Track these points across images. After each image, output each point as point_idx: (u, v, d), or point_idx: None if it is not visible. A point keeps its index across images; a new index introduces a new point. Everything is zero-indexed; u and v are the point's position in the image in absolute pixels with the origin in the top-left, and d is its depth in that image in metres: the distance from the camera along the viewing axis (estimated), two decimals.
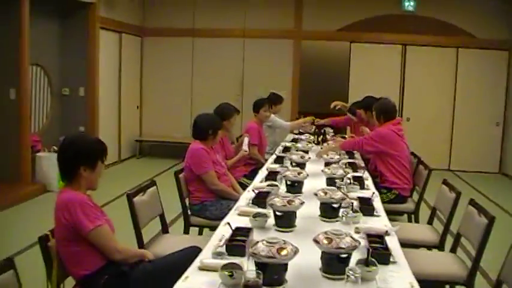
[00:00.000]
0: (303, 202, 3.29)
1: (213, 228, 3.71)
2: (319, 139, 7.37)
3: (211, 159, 4.78)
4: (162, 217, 4.28)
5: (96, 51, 9.48)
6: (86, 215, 2.86)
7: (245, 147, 5.82)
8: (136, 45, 11.39)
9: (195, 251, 3.04)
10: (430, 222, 4.73)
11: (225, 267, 2.40)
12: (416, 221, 5.34)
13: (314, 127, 8.24)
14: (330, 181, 4.51)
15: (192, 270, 2.60)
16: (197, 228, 4.89)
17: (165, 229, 4.31)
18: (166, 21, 11.39)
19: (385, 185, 5.41)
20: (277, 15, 11.12)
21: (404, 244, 3.27)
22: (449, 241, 4.19)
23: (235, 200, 4.25)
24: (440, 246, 4.26)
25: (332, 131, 8.32)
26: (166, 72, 11.51)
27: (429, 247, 4.35)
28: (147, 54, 11.63)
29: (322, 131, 7.72)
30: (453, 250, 4.01)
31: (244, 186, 5.25)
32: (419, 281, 2.51)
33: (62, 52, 9.48)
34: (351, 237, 2.55)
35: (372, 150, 5.65)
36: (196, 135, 4.88)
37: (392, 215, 5.00)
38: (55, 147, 8.00)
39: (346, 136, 7.44)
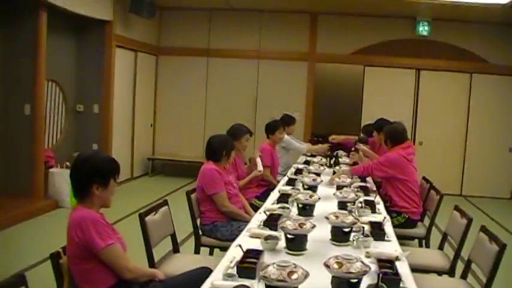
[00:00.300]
0: (314, 225, 3.29)
1: (224, 249, 3.71)
2: (332, 162, 7.36)
3: (223, 180, 4.77)
4: (173, 237, 4.29)
5: (111, 69, 9.56)
6: (98, 233, 2.87)
7: (260, 167, 5.83)
8: (151, 64, 11.48)
9: (205, 272, 3.04)
10: (441, 247, 4.71)
11: None
12: (427, 246, 5.32)
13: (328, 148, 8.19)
14: (342, 205, 4.51)
15: None
16: (208, 248, 4.88)
17: (175, 248, 4.33)
18: (182, 40, 11.50)
19: (394, 209, 5.41)
20: (291, 38, 11.20)
21: (414, 269, 3.26)
22: (460, 267, 4.17)
23: (246, 222, 4.25)
24: (450, 272, 4.24)
25: (345, 154, 8.29)
26: (180, 91, 11.58)
27: (439, 273, 4.32)
28: (161, 73, 11.71)
29: (335, 154, 7.71)
30: (464, 276, 3.98)
31: (255, 208, 5.27)
32: None
33: (77, 69, 9.56)
34: (362, 262, 2.55)
35: (381, 175, 5.69)
36: (209, 156, 4.89)
37: (403, 239, 4.99)
38: (68, 163, 8.05)
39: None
